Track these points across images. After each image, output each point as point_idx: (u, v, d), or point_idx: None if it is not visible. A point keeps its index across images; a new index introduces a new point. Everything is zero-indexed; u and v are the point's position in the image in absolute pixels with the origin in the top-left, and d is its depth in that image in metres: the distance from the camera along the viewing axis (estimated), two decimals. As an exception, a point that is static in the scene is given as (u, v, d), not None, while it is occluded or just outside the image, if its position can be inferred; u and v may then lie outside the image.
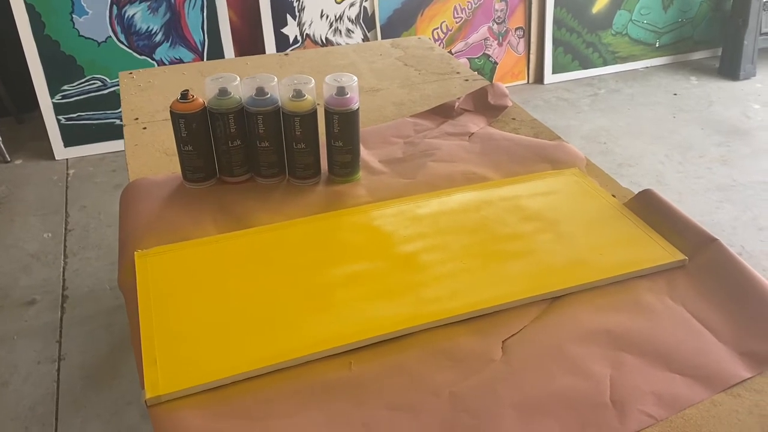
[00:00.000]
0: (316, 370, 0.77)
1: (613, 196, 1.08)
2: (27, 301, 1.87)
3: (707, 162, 2.55)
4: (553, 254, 0.94)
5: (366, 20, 2.88)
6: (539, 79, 3.23)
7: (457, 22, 3.02)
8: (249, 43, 2.74)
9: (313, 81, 1.07)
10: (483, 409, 0.72)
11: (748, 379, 0.75)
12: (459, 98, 1.39)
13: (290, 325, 0.83)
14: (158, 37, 2.60)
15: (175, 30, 2.61)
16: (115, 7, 2.51)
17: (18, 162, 2.58)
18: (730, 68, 3.25)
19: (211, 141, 1.09)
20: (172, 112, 1.05)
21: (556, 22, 3.13)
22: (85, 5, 2.47)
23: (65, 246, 2.10)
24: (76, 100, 2.57)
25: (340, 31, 2.86)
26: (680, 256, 0.92)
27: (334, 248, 0.97)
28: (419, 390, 0.75)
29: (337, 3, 2.80)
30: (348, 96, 1.06)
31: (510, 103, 1.39)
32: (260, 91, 1.05)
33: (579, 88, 3.19)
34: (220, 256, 0.95)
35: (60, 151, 2.60)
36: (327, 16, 2.81)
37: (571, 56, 3.23)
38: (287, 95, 1.05)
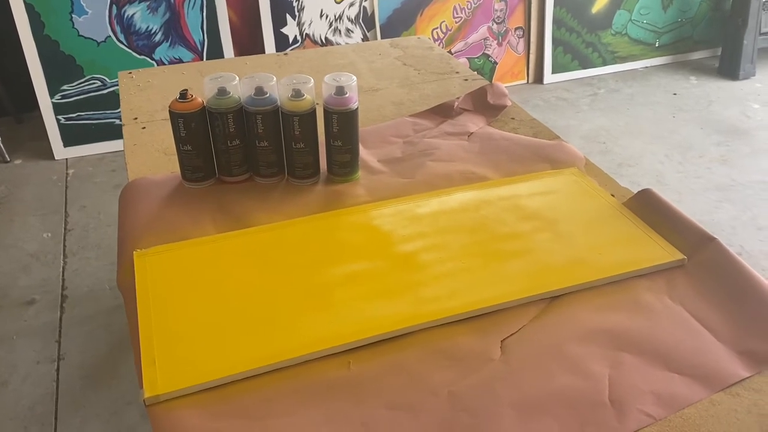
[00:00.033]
0: (315, 369, 0.77)
1: (612, 195, 1.08)
2: (26, 300, 1.87)
3: (707, 162, 2.55)
4: (552, 254, 0.94)
5: (365, 20, 2.88)
6: (539, 78, 3.24)
7: (456, 22, 3.02)
8: (248, 42, 2.74)
9: (312, 81, 1.07)
10: (482, 408, 0.72)
11: (747, 378, 0.75)
12: (458, 98, 1.39)
13: (289, 324, 0.83)
14: (158, 37, 2.60)
15: (174, 30, 2.61)
16: (114, 7, 2.51)
17: (17, 162, 2.58)
18: (729, 68, 3.25)
19: (210, 140, 1.09)
20: (171, 112, 1.05)
21: (556, 22, 3.13)
22: (84, 5, 2.47)
23: (65, 246, 2.10)
24: (75, 100, 2.57)
25: (340, 31, 2.86)
26: (679, 256, 0.92)
27: (333, 248, 0.97)
28: (418, 389, 0.75)
29: (336, 3, 2.80)
30: (347, 95, 1.06)
31: (509, 103, 1.39)
32: (259, 90, 1.05)
33: (578, 87, 3.19)
34: (219, 255, 0.95)
35: (59, 150, 2.60)
36: (326, 16, 2.81)
37: (571, 56, 3.23)
38: (286, 95, 1.05)
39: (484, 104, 1.37)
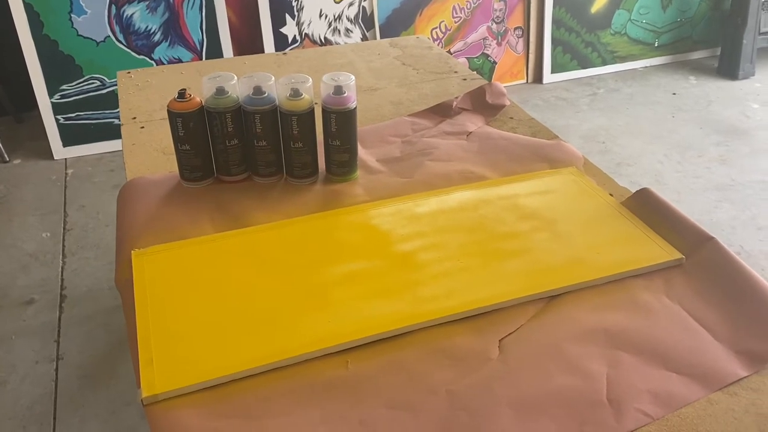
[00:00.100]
0: (313, 368, 0.77)
1: (611, 195, 1.08)
2: (25, 300, 1.87)
3: (706, 161, 2.55)
4: (550, 253, 0.94)
5: (365, 20, 2.88)
6: (538, 78, 3.24)
7: (456, 22, 3.02)
8: (248, 42, 2.74)
9: (310, 80, 1.07)
10: (480, 407, 0.72)
11: (745, 377, 0.75)
12: (457, 97, 1.39)
13: (287, 323, 0.83)
14: (157, 37, 2.60)
15: (173, 29, 2.61)
16: (113, 7, 2.51)
17: (17, 162, 2.58)
18: (729, 68, 3.25)
19: (209, 140, 1.09)
20: (169, 111, 1.05)
21: (555, 22, 3.13)
22: (83, 5, 2.47)
23: (64, 245, 2.10)
24: (74, 100, 2.57)
25: (339, 31, 2.86)
26: (677, 255, 0.92)
27: (331, 247, 0.97)
28: (416, 389, 0.75)
29: (336, 3, 2.80)
30: (345, 95, 1.06)
31: (508, 102, 1.39)
32: (258, 90, 1.05)
33: (578, 87, 3.19)
34: (217, 255, 0.95)
35: (58, 150, 2.60)
36: (326, 16, 2.81)
37: (570, 56, 3.23)
38: (285, 94, 1.05)
39: (483, 104, 1.37)
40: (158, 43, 2.61)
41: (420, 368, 0.77)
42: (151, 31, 2.59)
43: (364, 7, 2.85)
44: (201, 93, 1.07)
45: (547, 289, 0.87)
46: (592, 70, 3.29)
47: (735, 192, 2.35)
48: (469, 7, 3.02)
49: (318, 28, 2.82)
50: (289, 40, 2.78)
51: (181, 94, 1.05)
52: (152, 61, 2.62)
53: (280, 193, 1.09)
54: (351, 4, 2.83)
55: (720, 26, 3.40)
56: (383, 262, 0.93)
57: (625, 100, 3.07)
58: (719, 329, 0.82)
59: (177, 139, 1.07)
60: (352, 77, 1.06)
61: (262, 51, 2.73)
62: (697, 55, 3.49)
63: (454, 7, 2.99)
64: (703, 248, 0.92)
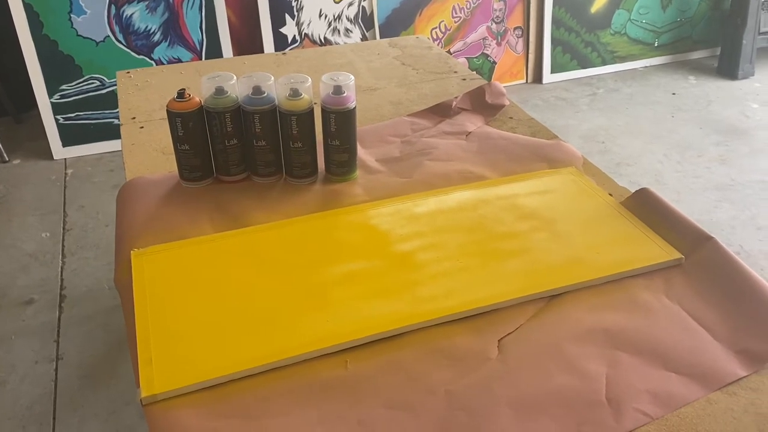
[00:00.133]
0: (312, 368, 0.77)
1: (610, 194, 1.08)
2: (25, 300, 1.87)
3: (706, 161, 2.55)
4: (549, 253, 0.94)
5: (364, 20, 2.88)
6: (538, 78, 3.24)
7: (455, 22, 3.02)
8: (247, 42, 2.74)
9: (309, 80, 1.06)
10: (479, 407, 0.72)
11: (744, 377, 0.75)
12: (456, 97, 1.39)
13: (286, 323, 0.83)
14: (156, 37, 2.60)
15: (173, 30, 2.61)
16: (113, 7, 2.51)
17: (16, 162, 2.58)
18: (728, 68, 3.25)
19: (208, 140, 1.09)
20: (168, 111, 1.05)
21: (555, 22, 3.13)
22: (83, 5, 2.47)
23: (63, 246, 2.10)
24: (74, 100, 2.57)
25: (339, 31, 2.86)
26: (676, 255, 0.92)
27: (330, 247, 0.97)
28: (415, 388, 0.75)
29: (335, 3, 2.80)
30: (345, 95, 1.06)
31: (507, 102, 1.39)
32: (257, 90, 1.05)
33: (578, 87, 3.19)
34: (216, 255, 0.95)
35: (58, 150, 2.60)
36: (325, 16, 2.81)
37: (570, 56, 3.23)
38: (284, 94, 1.05)
39: (482, 104, 1.37)
40: (158, 43, 2.61)
41: (419, 368, 0.77)
42: (151, 31, 2.59)
43: (363, 7, 2.85)
44: (200, 93, 1.07)
45: (546, 289, 0.87)
46: (591, 70, 3.29)
47: (734, 192, 2.35)
48: (468, 7, 3.02)
49: (318, 28, 2.82)
50: (289, 40, 2.78)
51: (181, 94, 1.05)
52: (152, 61, 2.62)
53: (280, 193, 1.09)
54: (351, 4, 2.83)
55: (720, 26, 3.40)
56: (382, 262, 0.93)
57: (624, 100, 3.07)
58: (718, 329, 0.82)
59: (176, 139, 1.07)
60: (352, 77, 1.06)
61: (262, 51, 2.73)
62: (696, 55, 3.49)
63: (453, 7, 2.99)
64: (703, 248, 0.92)
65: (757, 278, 0.87)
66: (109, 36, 2.54)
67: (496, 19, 3.09)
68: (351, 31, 2.87)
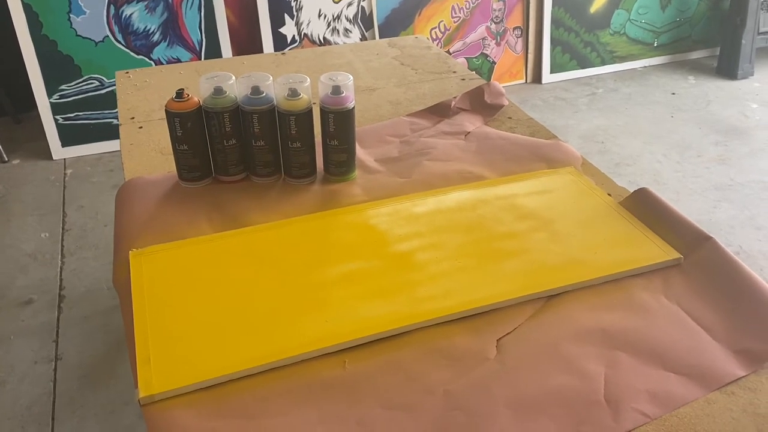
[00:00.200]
0: (311, 368, 0.77)
1: (609, 195, 1.08)
2: (24, 300, 1.87)
3: (705, 161, 2.55)
4: (548, 253, 0.94)
5: (364, 20, 2.87)
6: (537, 78, 3.24)
7: (455, 22, 3.02)
8: (247, 42, 2.74)
9: (308, 80, 1.06)
10: (477, 407, 0.72)
11: (743, 377, 0.75)
12: (455, 97, 1.39)
13: (285, 323, 0.83)
14: (156, 37, 2.60)
15: (172, 30, 2.61)
16: (112, 7, 2.51)
17: (15, 162, 2.58)
18: (728, 67, 3.26)
19: (207, 140, 1.08)
20: (167, 111, 1.05)
21: (554, 22, 3.13)
22: (82, 5, 2.47)
23: (62, 246, 2.10)
24: (73, 100, 2.57)
25: (338, 31, 2.86)
26: (675, 255, 0.92)
27: (329, 247, 0.97)
28: (414, 388, 0.75)
29: (335, 3, 2.80)
30: (343, 95, 1.05)
31: (506, 102, 1.39)
32: (255, 90, 1.05)
33: (577, 87, 3.19)
34: (215, 255, 0.95)
35: (57, 150, 2.60)
36: (325, 16, 2.81)
37: (569, 56, 3.23)
38: (282, 94, 1.05)
39: (481, 104, 1.37)
40: (157, 43, 2.61)
41: (417, 368, 0.77)
42: (150, 31, 2.59)
43: (363, 7, 2.85)
44: (199, 93, 1.07)
45: (545, 289, 0.87)
46: (591, 70, 3.29)
47: (734, 192, 2.35)
48: (468, 7, 3.02)
49: (317, 28, 2.82)
50: (288, 40, 2.78)
51: (179, 94, 1.05)
52: (151, 61, 2.62)
53: (278, 193, 1.09)
54: (350, 4, 2.83)
55: (719, 26, 3.40)
56: (381, 262, 0.93)
57: (624, 100, 3.07)
58: (717, 329, 0.81)
59: (175, 139, 1.07)
60: (350, 77, 1.06)
61: (261, 51, 2.73)
62: (696, 54, 3.49)
63: (453, 7, 2.99)
64: (702, 248, 0.92)
65: (756, 278, 0.87)
66: (108, 36, 2.54)
67: (495, 19, 3.09)
68: (350, 31, 2.87)
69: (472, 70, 1.62)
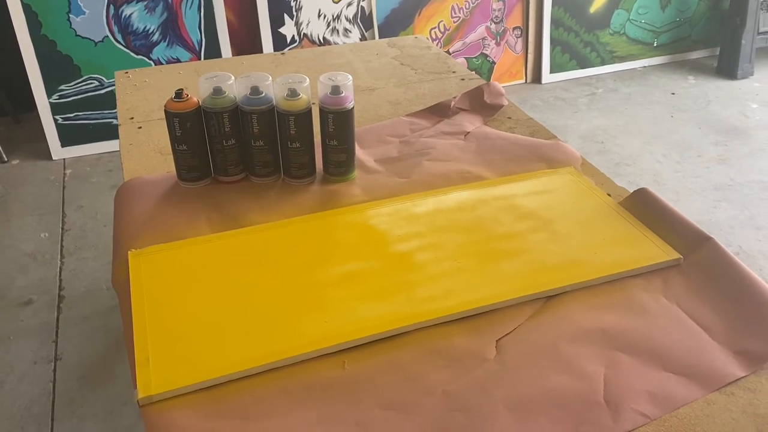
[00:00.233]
0: (310, 369, 0.77)
1: (609, 195, 1.07)
2: (23, 301, 1.87)
3: (705, 161, 2.55)
4: (548, 253, 0.94)
5: (363, 20, 2.87)
6: (537, 78, 3.23)
7: (454, 22, 3.02)
8: (246, 42, 2.74)
9: (307, 80, 1.06)
10: (477, 408, 0.72)
11: (742, 378, 0.75)
12: (455, 97, 1.39)
13: (284, 324, 0.83)
14: (155, 37, 2.60)
15: (172, 30, 2.61)
16: (112, 7, 2.51)
17: (15, 162, 2.58)
18: (727, 67, 3.25)
19: (206, 140, 1.08)
20: (166, 111, 1.05)
21: (554, 22, 3.13)
22: (81, 5, 2.47)
23: (62, 246, 2.10)
24: (73, 100, 2.57)
25: (338, 31, 2.86)
26: (675, 255, 0.92)
27: (328, 247, 0.97)
28: (413, 389, 0.74)
29: (334, 3, 2.80)
30: (343, 95, 1.05)
31: (506, 102, 1.39)
32: (255, 90, 1.05)
33: (577, 87, 3.19)
34: (214, 255, 0.95)
35: (57, 151, 2.60)
36: (324, 16, 2.81)
37: (569, 56, 3.23)
38: (282, 94, 1.05)
39: (481, 104, 1.37)
40: (157, 43, 2.61)
41: (417, 369, 0.77)
42: (150, 31, 2.59)
43: (362, 7, 2.85)
44: (198, 93, 1.07)
45: (544, 289, 0.87)
46: (590, 70, 3.29)
47: (734, 192, 2.35)
48: (467, 7, 3.02)
49: (317, 28, 2.82)
50: (288, 40, 2.78)
51: (178, 94, 1.05)
52: (151, 61, 2.62)
53: (278, 193, 1.09)
54: (350, 4, 2.83)
55: (719, 26, 3.40)
56: (380, 263, 0.93)
57: (623, 100, 3.06)
58: (717, 329, 0.81)
59: (174, 139, 1.07)
60: (350, 77, 1.06)
61: (261, 51, 2.73)
62: (696, 54, 3.49)
63: (452, 7, 2.99)
64: (701, 248, 0.92)
65: (755, 278, 0.87)
66: (107, 36, 2.54)
67: (495, 19, 3.09)
68: (350, 31, 2.87)
69: (471, 70, 1.62)
